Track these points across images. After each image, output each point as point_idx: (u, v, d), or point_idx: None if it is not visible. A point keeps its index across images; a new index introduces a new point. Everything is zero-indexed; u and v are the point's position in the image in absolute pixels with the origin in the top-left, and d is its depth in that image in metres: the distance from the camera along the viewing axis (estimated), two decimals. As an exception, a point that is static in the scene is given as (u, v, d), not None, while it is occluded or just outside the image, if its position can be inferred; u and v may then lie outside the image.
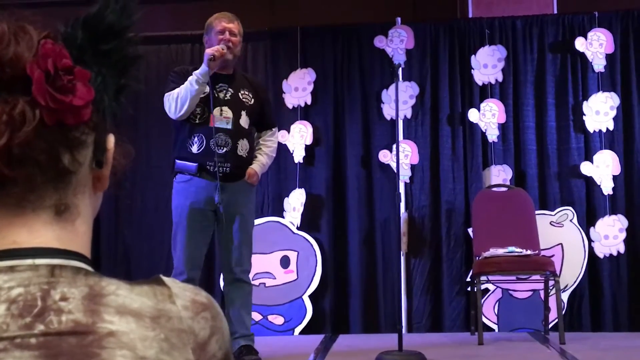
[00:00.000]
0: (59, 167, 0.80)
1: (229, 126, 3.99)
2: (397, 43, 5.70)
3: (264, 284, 5.57)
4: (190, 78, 3.91)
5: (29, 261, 0.77)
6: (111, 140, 0.88)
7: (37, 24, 0.82)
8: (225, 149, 3.98)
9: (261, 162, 4.13)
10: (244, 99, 4.08)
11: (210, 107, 3.97)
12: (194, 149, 3.97)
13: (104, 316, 0.75)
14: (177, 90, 3.95)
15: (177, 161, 4.01)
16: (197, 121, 3.98)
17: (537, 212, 5.34)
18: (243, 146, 4.04)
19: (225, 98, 4.03)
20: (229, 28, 4.05)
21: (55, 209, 0.81)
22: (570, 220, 5.47)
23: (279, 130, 4.84)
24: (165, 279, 0.82)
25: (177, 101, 3.93)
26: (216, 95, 4.01)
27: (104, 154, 0.87)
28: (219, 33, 4.04)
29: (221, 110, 4.00)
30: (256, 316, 5.41)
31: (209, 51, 3.92)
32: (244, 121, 4.06)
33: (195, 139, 3.98)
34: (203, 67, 3.90)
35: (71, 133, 0.80)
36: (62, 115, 0.78)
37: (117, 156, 0.89)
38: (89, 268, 0.80)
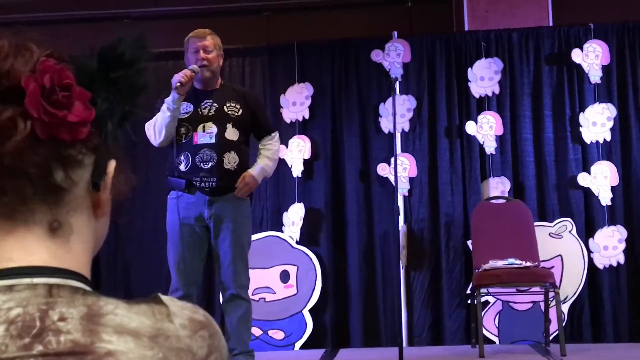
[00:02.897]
0: (50, 182, 0.80)
1: (213, 140, 4.00)
2: (393, 57, 5.72)
3: (264, 298, 5.56)
4: (162, 106, 3.95)
5: (26, 280, 0.77)
6: (112, 164, 0.88)
7: (44, 44, 0.83)
8: (210, 164, 3.98)
9: (259, 165, 4.08)
10: (229, 112, 4.07)
11: (194, 125, 4.00)
12: (182, 167, 4.00)
13: (103, 336, 0.75)
14: (154, 119, 3.99)
15: (169, 178, 4.03)
16: (182, 141, 4.01)
17: (535, 223, 5.34)
18: (230, 159, 4.02)
19: (209, 114, 4.04)
20: (202, 46, 4.06)
21: (49, 225, 0.81)
22: (569, 232, 5.46)
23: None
24: (163, 297, 0.82)
25: (154, 129, 4.00)
26: (200, 112, 4.04)
27: (102, 177, 0.86)
28: (194, 53, 4.07)
29: (204, 126, 4.02)
30: (256, 331, 5.40)
31: (175, 78, 3.90)
32: (231, 133, 4.05)
33: (182, 157, 4.00)
34: (172, 94, 3.91)
35: (66, 150, 0.80)
36: (55, 130, 0.78)
37: (119, 183, 0.89)
38: (87, 287, 0.81)
